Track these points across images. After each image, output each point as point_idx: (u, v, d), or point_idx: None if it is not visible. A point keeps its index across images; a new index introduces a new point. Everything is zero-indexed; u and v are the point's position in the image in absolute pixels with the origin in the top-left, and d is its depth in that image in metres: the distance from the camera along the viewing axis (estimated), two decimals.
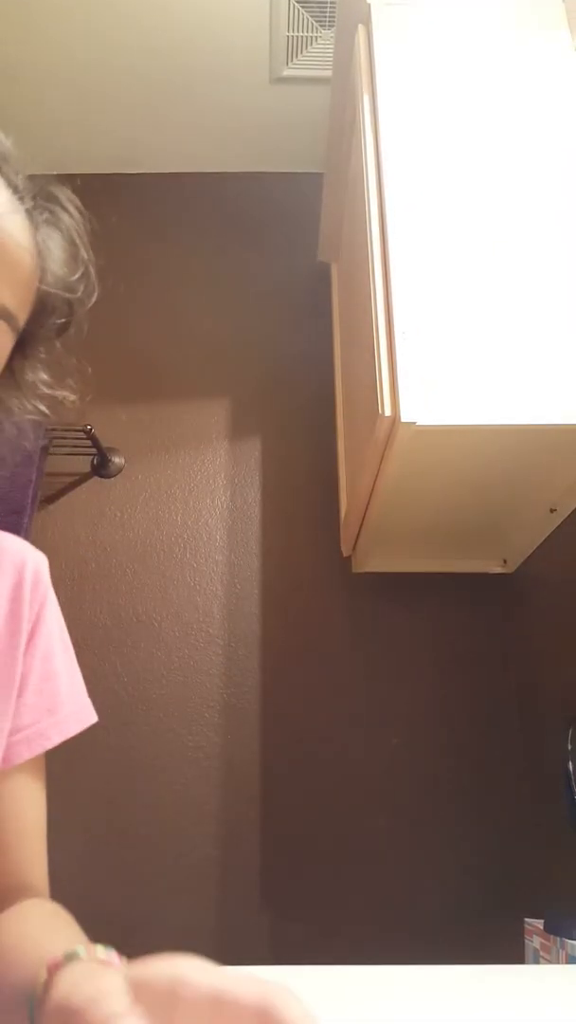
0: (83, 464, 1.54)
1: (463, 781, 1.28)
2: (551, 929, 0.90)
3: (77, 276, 0.51)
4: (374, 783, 1.28)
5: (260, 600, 1.42)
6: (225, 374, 1.62)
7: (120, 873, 1.23)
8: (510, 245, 1.02)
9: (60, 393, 0.58)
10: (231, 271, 1.73)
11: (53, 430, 1.46)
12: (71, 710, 0.59)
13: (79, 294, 0.52)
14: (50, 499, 1.51)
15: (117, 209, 1.80)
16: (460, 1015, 0.52)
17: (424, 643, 1.37)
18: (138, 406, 1.59)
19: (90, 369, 0.60)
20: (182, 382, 1.61)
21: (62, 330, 0.54)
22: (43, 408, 0.57)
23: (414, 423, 0.92)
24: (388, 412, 0.94)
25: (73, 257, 0.51)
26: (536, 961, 0.92)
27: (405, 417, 0.92)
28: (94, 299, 0.54)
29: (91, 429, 1.44)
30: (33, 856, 0.58)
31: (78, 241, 0.51)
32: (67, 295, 0.51)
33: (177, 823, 1.26)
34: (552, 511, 1.17)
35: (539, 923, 0.95)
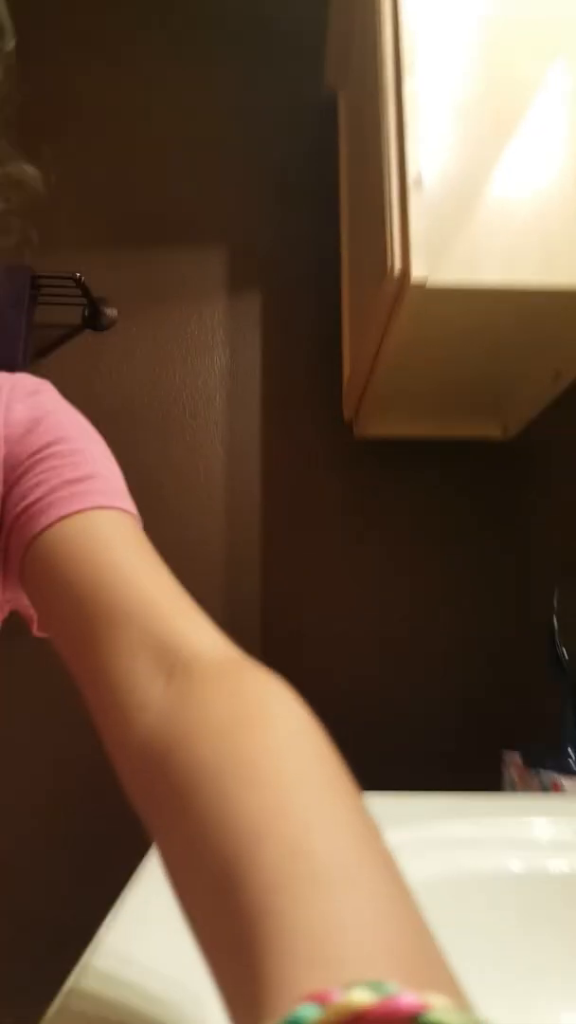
0: (73, 315, 1.48)
1: (456, 632, 1.36)
2: (527, 761, 0.99)
3: None
4: (368, 632, 1.36)
5: (260, 462, 1.43)
6: (222, 217, 1.52)
7: None
8: (544, 83, 0.93)
9: (15, 167, 0.51)
10: (231, 101, 1.57)
11: (40, 277, 1.39)
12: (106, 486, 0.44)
13: None
14: (41, 353, 1.47)
15: (113, 27, 1.61)
16: (440, 834, 0.58)
17: (423, 506, 1.40)
18: (130, 252, 1.51)
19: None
20: (176, 226, 1.52)
21: None
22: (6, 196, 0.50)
23: (424, 283, 0.88)
24: (397, 270, 0.90)
25: None
26: (512, 789, 1.03)
27: (416, 276, 0.87)
28: (10, 44, 0.50)
29: (81, 277, 1.37)
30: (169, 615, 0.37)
31: None
32: None
33: None
34: (557, 376, 1.15)
35: (516, 755, 1.05)
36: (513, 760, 1.04)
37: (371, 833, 0.26)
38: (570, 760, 0.93)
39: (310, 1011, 0.16)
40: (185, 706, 0.31)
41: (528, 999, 0.46)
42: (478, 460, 1.40)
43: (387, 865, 0.24)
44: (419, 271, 0.87)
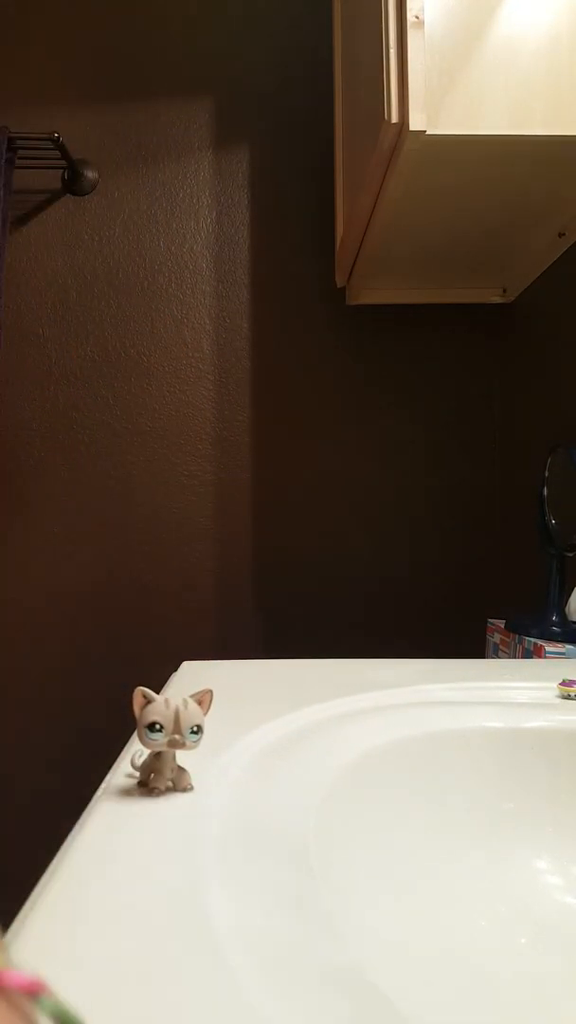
0: (53, 179, 1.39)
1: (445, 501, 1.37)
2: (510, 628, 1.03)
3: None
4: (358, 502, 1.37)
5: (250, 335, 1.39)
6: (207, 67, 1.39)
7: (125, 587, 1.36)
8: None
9: None
10: None
11: (17, 139, 1.30)
12: None
13: None
14: (21, 220, 1.39)
15: None
16: (422, 697, 0.60)
17: (417, 374, 1.37)
18: (109, 108, 1.40)
19: None
20: (158, 78, 1.39)
21: None
22: None
23: (423, 132, 0.82)
24: (395, 119, 0.83)
25: None
26: (496, 654, 1.07)
27: (414, 125, 0.81)
28: None
29: (59, 138, 1.28)
30: None
31: None
32: None
33: (175, 542, 1.37)
34: (561, 235, 1.10)
35: (500, 623, 1.09)
36: (497, 627, 1.08)
37: None
38: (553, 627, 0.96)
39: None
40: None
41: (501, 844, 0.49)
42: (473, 326, 1.36)
43: None
44: (418, 118, 0.81)
